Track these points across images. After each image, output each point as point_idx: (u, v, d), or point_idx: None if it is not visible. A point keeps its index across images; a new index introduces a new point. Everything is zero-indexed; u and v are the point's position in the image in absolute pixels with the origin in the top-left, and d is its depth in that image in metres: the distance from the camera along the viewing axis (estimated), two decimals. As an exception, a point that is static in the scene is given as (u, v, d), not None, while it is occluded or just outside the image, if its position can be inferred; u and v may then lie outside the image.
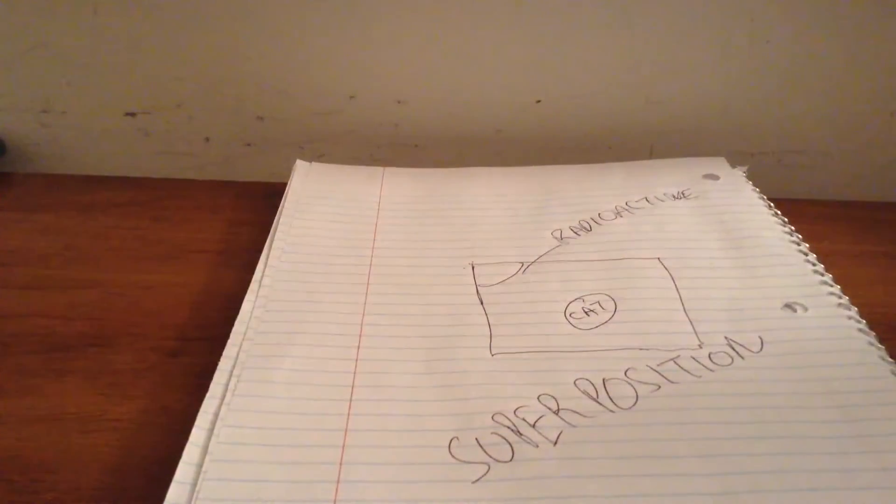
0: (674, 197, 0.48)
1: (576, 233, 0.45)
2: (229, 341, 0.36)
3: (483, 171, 0.52)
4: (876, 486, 0.29)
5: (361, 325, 0.38)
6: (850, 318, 0.38)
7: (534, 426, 0.32)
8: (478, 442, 0.31)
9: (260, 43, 0.53)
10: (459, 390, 0.34)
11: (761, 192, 0.49)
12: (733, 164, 0.52)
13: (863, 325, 0.38)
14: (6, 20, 0.52)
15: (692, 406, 0.33)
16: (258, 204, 0.53)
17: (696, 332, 0.37)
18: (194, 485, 0.29)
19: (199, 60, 0.53)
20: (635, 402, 0.33)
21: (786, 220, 0.46)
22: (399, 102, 0.55)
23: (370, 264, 0.43)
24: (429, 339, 0.37)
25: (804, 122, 0.55)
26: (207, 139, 0.57)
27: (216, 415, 0.32)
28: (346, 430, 0.32)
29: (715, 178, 0.50)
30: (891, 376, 0.34)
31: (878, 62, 0.52)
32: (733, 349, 0.36)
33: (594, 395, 0.34)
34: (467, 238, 0.45)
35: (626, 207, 0.47)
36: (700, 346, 0.36)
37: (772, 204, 0.47)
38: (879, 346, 0.36)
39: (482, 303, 0.40)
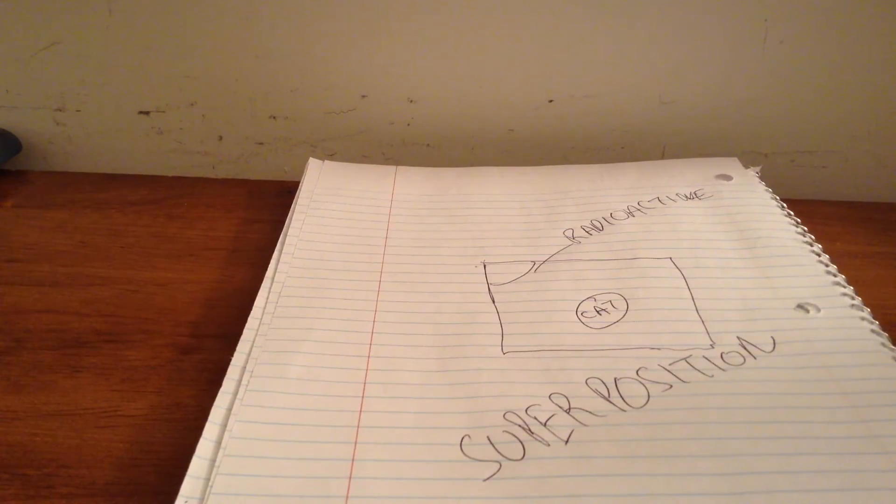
0: (686, 197, 0.48)
1: (588, 232, 0.45)
2: (242, 337, 0.37)
3: (495, 170, 0.52)
4: (889, 486, 0.29)
5: (373, 322, 0.38)
6: (863, 318, 0.38)
7: (545, 425, 0.32)
8: (489, 440, 0.31)
9: (273, 42, 0.53)
10: (471, 388, 0.34)
11: (774, 192, 0.48)
12: (746, 165, 0.52)
13: (876, 325, 0.37)
14: (22, 19, 0.52)
15: (704, 406, 0.33)
16: (271, 202, 0.53)
17: (708, 332, 0.37)
18: (208, 479, 0.29)
19: (212, 59, 0.54)
20: (647, 402, 0.33)
21: (798, 220, 0.46)
22: (411, 101, 0.55)
23: (382, 262, 0.43)
24: (440, 338, 0.37)
25: (817, 123, 0.54)
26: (221, 138, 0.57)
27: (229, 410, 0.32)
28: (357, 427, 0.32)
29: (728, 178, 0.50)
30: (904, 377, 0.34)
31: (893, 63, 0.52)
32: (745, 349, 0.36)
33: (606, 395, 0.34)
34: (479, 237, 0.45)
35: (639, 207, 0.47)
36: (712, 346, 0.36)
37: (784, 204, 0.47)
38: (892, 347, 0.36)
39: (494, 301, 0.40)
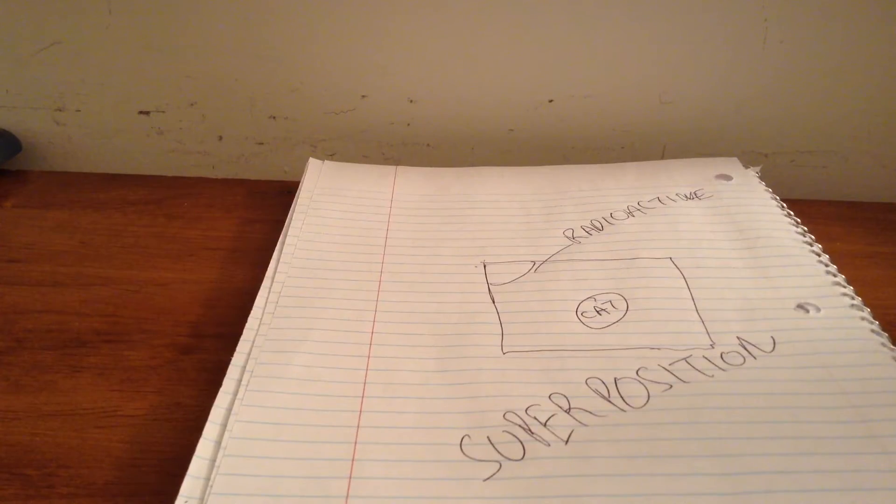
0: (686, 197, 0.48)
1: (587, 232, 0.45)
2: (242, 337, 0.37)
3: (495, 170, 0.52)
4: (889, 486, 0.29)
5: (373, 322, 0.38)
6: (863, 318, 0.38)
7: (545, 425, 0.32)
8: (489, 440, 0.31)
9: (273, 42, 0.53)
10: (471, 388, 0.34)
11: (774, 192, 0.48)
12: (746, 165, 0.52)
13: (876, 325, 0.37)
14: (22, 19, 0.52)
15: (704, 406, 0.33)
16: (271, 202, 0.53)
17: (708, 332, 0.37)
18: (208, 479, 0.29)
19: (212, 60, 0.54)
20: (647, 402, 0.33)
21: (798, 220, 0.46)
22: (411, 101, 0.55)
23: (382, 262, 0.43)
24: (440, 338, 0.37)
25: (817, 123, 0.54)
26: (220, 138, 0.57)
27: (229, 410, 0.32)
28: (357, 427, 0.32)
29: (728, 178, 0.50)
30: (904, 377, 0.34)
31: (893, 63, 0.52)
32: (745, 349, 0.36)
33: (606, 395, 0.34)
34: (479, 237, 0.45)
35: (639, 207, 0.47)
36: (712, 346, 0.36)
37: (784, 204, 0.47)
38: (892, 347, 0.36)
39: (494, 301, 0.40)
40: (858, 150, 0.55)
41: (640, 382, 0.34)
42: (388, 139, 0.57)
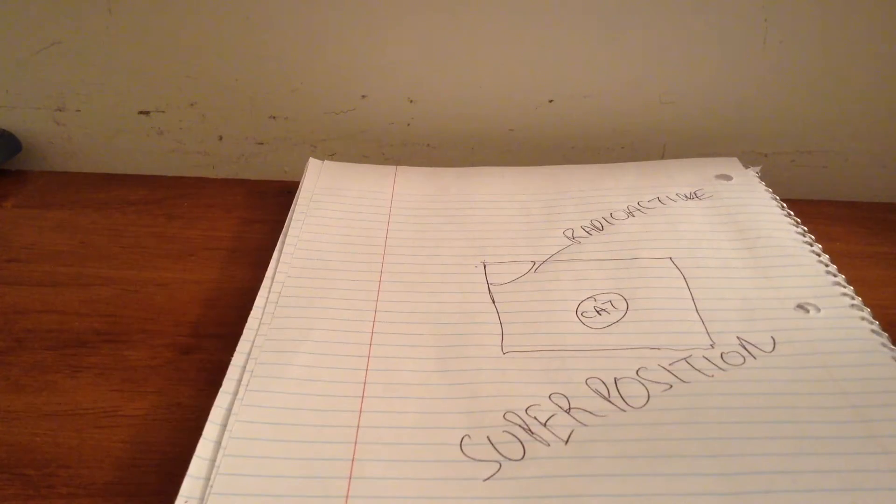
0: (686, 197, 0.48)
1: (587, 232, 0.45)
2: (242, 337, 0.37)
3: (495, 170, 0.52)
4: (889, 486, 0.29)
5: (373, 322, 0.38)
6: (862, 318, 0.38)
7: (545, 425, 0.32)
8: (489, 440, 0.31)
9: (273, 43, 0.53)
10: (471, 388, 0.34)
11: (774, 192, 0.48)
12: (746, 165, 0.52)
13: (876, 325, 0.37)
14: (21, 19, 0.52)
15: (704, 406, 0.33)
16: (271, 202, 0.53)
17: (708, 332, 0.37)
18: (208, 479, 0.29)
19: (212, 60, 0.54)
20: (647, 402, 0.33)
21: (798, 220, 0.46)
22: (411, 101, 0.55)
23: (382, 262, 0.43)
24: (440, 338, 0.37)
25: (817, 123, 0.54)
26: (221, 138, 0.57)
27: (229, 410, 0.32)
28: (357, 427, 0.32)
29: (728, 178, 0.50)
30: (904, 377, 0.34)
31: (892, 63, 0.52)
32: (745, 349, 0.36)
33: (606, 395, 0.34)
34: (479, 237, 0.45)
35: (639, 207, 0.47)
36: (712, 346, 0.36)
37: (784, 204, 0.47)
38: (892, 347, 0.36)
39: (494, 301, 0.40)
40: (858, 150, 0.55)
41: (640, 382, 0.34)
42: (388, 139, 0.57)
